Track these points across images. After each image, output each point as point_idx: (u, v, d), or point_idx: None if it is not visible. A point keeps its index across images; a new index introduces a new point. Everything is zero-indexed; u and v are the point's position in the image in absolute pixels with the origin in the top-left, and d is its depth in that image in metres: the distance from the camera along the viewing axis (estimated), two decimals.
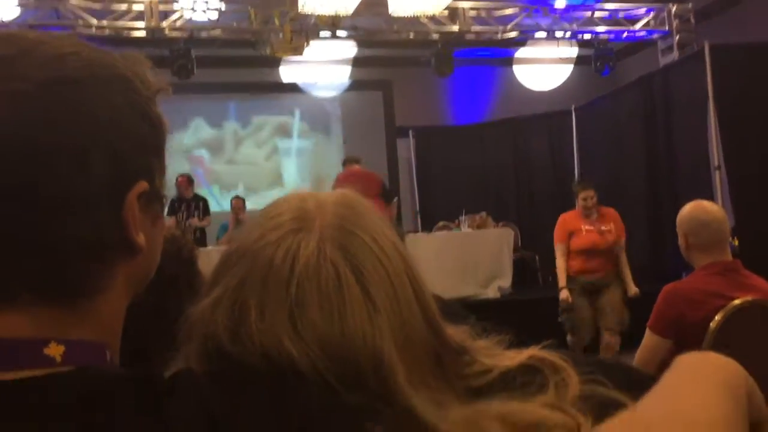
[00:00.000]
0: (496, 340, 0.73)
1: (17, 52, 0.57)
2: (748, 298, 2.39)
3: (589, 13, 8.53)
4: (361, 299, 0.61)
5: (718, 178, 6.60)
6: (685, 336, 2.40)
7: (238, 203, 8.07)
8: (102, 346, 0.59)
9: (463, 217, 7.75)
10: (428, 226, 8.58)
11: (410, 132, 10.14)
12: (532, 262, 8.46)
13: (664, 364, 0.64)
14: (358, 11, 6.84)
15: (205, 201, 7.94)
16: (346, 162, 7.02)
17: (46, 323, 0.56)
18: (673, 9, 8.39)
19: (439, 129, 10.34)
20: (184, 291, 1.29)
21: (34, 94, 0.55)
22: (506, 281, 7.22)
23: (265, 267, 0.62)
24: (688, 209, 2.58)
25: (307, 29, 7.74)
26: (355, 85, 10.23)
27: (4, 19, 7.13)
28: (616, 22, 8.60)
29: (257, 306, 0.60)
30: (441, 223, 8.35)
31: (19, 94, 0.54)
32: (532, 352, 0.68)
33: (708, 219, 2.50)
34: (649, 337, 2.45)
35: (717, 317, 2.34)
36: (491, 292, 7.09)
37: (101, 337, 0.59)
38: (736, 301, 2.37)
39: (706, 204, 2.66)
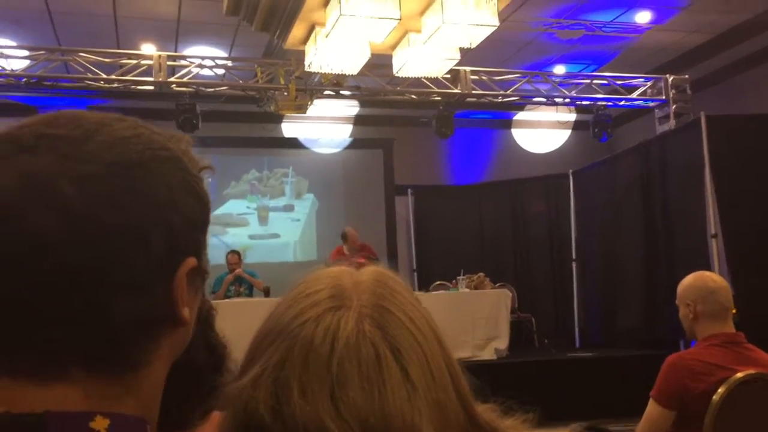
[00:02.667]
0: (522, 418, 0.74)
1: (82, 134, 0.59)
2: (751, 371, 2.39)
3: (587, 81, 8.71)
4: (400, 379, 0.62)
5: (716, 247, 6.63)
6: (688, 408, 2.39)
7: (234, 258, 8.05)
8: (143, 421, 0.60)
9: (460, 277, 7.74)
10: (425, 285, 8.57)
11: (409, 191, 10.22)
12: (528, 324, 8.43)
13: None
14: (361, 71, 6.97)
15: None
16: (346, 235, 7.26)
17: (93, 396, 0.57)
18: (670, 79, 8.58)
19: (437, 188, 10.44)
20: (200, 347, 1.30)
21: (101, 176, 0.57)
22: (503, 343, 7.19)
23: (306, 345, 0.63)
24: (692, 278, 2.60)
25: (311, 88, 7.88)
26: (357, 143, 10.36)
27: (14, 70, 7.25)
28: (614, 90, 8.77)
29: (299, 384, 0.61)
30: (438, 283, 8.34)
31: (87, 176, 0.57)
32: None
33: (715, 287, 2.53)
34: (652, 408, 2.44)
35: (720, 390, 2.34)
36: (488, 354, 7.05)
37: (143, 410, 0.61)
38: (739, 375, 2.37)
39: (710, 274, 2.68)
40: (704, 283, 2.55)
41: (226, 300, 7.26)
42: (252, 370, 0.64)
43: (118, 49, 7.78)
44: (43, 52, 7.32)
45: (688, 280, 2.60)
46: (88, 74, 7.32)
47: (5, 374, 0.56)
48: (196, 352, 1.29)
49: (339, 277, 0.71)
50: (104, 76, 7.36)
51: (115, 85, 7.48)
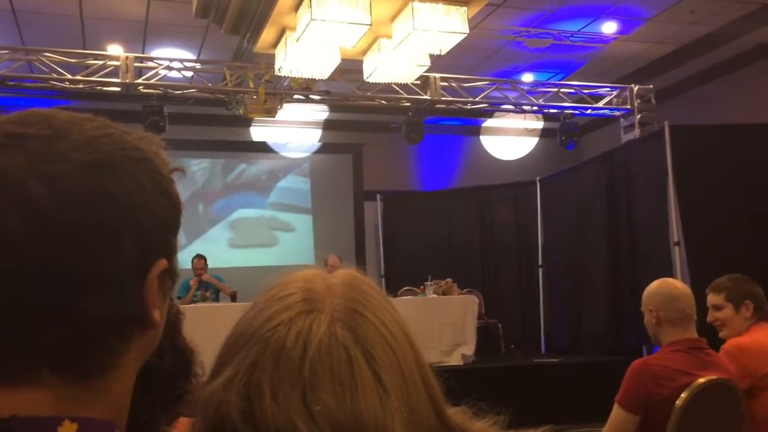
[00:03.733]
0: (493, 421, 0.75)
1: (53, 134, 0.59)
2: (713, 377, 2.44)
3: (555, 90, 8.82)
4: (373, 383, 0.62)
5: (678, 254, 6.75)
6: (653, 412, 2.43)
7: (200, 263, 7.96)
8: (112, 425, 0.59)
9: (428, 283, 7.77)
10: (393, 290, 8.56)
11: (378, 196, 10.23)
12: (495, 330, 8.48)
13: None
14: (332, 76, 6.97)
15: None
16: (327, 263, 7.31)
17: (62, 400, 0.56)
18: (635, 89, 8.72)
19: (406, 194, 10.47)
20: (166, 350, 1.29)
21: (72, 176, 0.57)
22: (470, 349, 7.22)
23: (277, 349, 0.63)
24: (656, 285, 2.65)
25: (280, 91, 7.85)
26: (326, 147, 10.35)
27: None
28: (581, 99, 8.89)
29: (270, 388, 0.61)
30: (406, 288, 8.35)
31: (58, 176, 0.56)
32: None
33: (678, 294, 2.57)
34: (617, 413, 2.47)
35: (683, 395, 2.38)
36: (454, 360, 7.07)
37: (112, 414, 0.60)
38: (701, 380, 2.42)
39: (673, 281, 2.74)
40: (667, 289, 2.60)
41: (192, 305, 7.18)
42: (224, 373, 0.64)
43: (84, 49, 7.67)
44: (6, 51, 7.18)
45: (653, 286, 2.65)
46: (53, 74, 7.19)
47: None
48: (164, 356, 1.28)
49: (311, 281, 0.71)
50: (69, 76, 7.23)
51: (81, 86, 7.36)
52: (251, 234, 10.13)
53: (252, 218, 10.22)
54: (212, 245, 9.60)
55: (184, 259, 8.06)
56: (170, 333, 1.34)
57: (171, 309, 1.38)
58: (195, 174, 9.92)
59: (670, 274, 6.48)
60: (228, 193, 10.18)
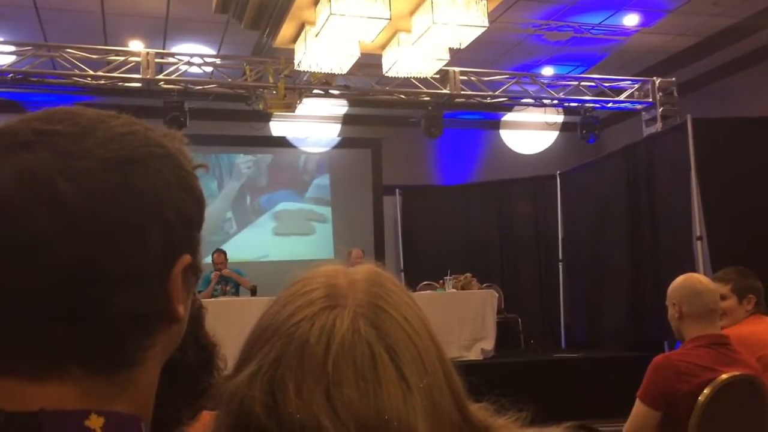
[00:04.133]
0: (515, 417, 0.74)
1: (79, 131, 0.59)
2: (736, 373, 2.41)
3: (575, 83, 8.75)
4: (396, 378, 0.62)
5: (700, 249, 6.68)
6: (675, 408, 2.41)
7: (220, 257, 8.00)
8: (138, 418, 0.60)
9: (447, 277, 7.76)
10: (412, 284, 8.56)
11: (397, 191, 10.23)
12: (514, 325, 8.46)
13: None
14: (351, 71, 6.97)
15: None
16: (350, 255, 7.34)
17: (89, 394, 0.57)
18: (657, 82, 8.63)
19: (425, 188, 10.45)
20: (190, 344, 1.31)
21: (99, 172, 0.57)
22: (489, 343, 7.21)
23: (301, 344, 0.63)
24: (681, 279, 2.64)
25: (300, 86, 7.87)
26: (345, 142, 10.35)
27: (0, 66, 7.19)
28: (601, 93, 8.82)
29: (294, 383, 0.61)
30: (425, 283, 8.36)
31: (84, 173, 0.57)
32: None
33: (702, 288, 2.56)
34: (639, 408, 2.46)
35: (705, 391, 2.37)
36: (474, 354, 7.07)
37: (137, 408, 0.61)
38: (724, 376, 2.40)
39: (698, 276, 2.73)
40: (691, 284, 2.58)
41: (213, 299, 7.24)
42: (248, 368, 0.65)
43: (106, 45, 7.74)
44: (29, 47, 7.26)
45: (678, 281, 2.64)
46: (75, 70, 7.25)
47: (1, 372, 0.56)
48: (187, 350, 1.29)
49: (334, 276, 0.71)
50: (91, 72, 7.30)
51: (102, 81, 7.42)
52: (281, 226, 10.19)
53: (270, 214, 10.26)
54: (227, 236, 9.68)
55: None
56: (193, 327, 1.35)
57: (194, 303, 1.40)
58: (213, 167, 9.98)
59: (693, 268, 6.42)
60: (244, 188, 10.23)
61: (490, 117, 10.72)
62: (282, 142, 10.10)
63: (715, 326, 2.55)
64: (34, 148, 0.57)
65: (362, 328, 0.64)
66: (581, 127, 9.17)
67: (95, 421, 0.56)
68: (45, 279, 0.55)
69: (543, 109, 9.46)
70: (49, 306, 0.55)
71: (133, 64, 7.42)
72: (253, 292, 7.55)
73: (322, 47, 6.08)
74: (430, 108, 8.60)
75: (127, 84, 7.54)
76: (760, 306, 3.11)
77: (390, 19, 5.57)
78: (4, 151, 0.57)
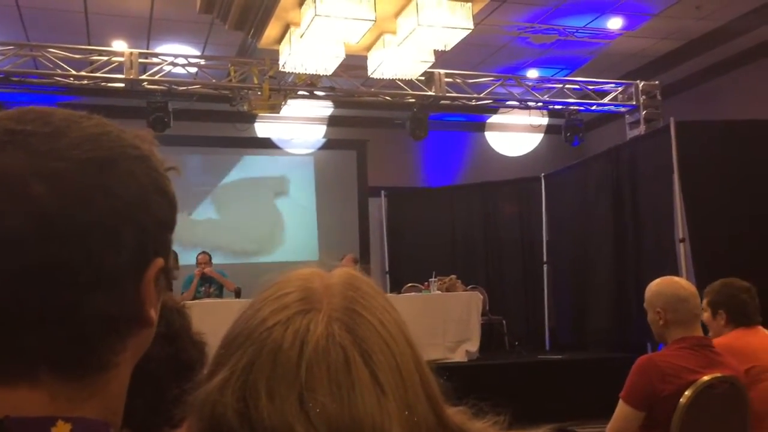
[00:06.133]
0: (493, 420, 0.74)
1: (53, 131, 0.58)
2: (717, 374, 2.43)
3: (560, 86, 8.79)
4: (370, 383, 0.62)
5: (683, 251, 6.73)
6: (657, 409, 2.42)
7: (204, 258, 7.97)
8: (107, 425, 0.59)
9: (432, 279, 7.76)
10: (397, 286, 8.58)
11: (382, 192, 10.22)
12: (499, 327, 8.47)
13: None
14: (336, 72, 6.96)
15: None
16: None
17: (58, 400, 0.56)
18: (641, 85, 8.69)
19: (411, 190, 10.46)
20: (188, 343, 1.32)
21: (72, 173, 0.56)
22: (474, 345, 7.21)
23: (274, 349, 0.62)
24: (662, 285, 2.63)
25: (285, 87, 7.84)
26: (330, 143, 10.34)
27: None
28: (586, 95, 8.86)
29: (267, 389, 0.60)
30: (410, 284, 8.35)
31: (58, 173, 0.56)
32: None
33: (686, 295, 2.57)
34: (622, 408, 2.47)
35: (687, 392, 2.38)
36: (459, 356, 7.07)
37: (107, 413, 0.60)
38: (705, 378, 2.41)
39: (679, 280, 2.73)
40: (674, 291, 2.58)
41: (196, 301, 7.19)
42: (220, 374, 0.63)
43: (89, 45, 7.68)
44: (11, 47, 7.19)
45: (658, 286, 2.64)
46: (58, 70, 7.19)
47: None
48: (186, 350, 1.30)
49: (309, 280, 0.70)
50: (74, 72, 7.24)
51: (85, 81, 7.36)
52: (252, 231, 10.13)
53: (254, 216, 10.21)
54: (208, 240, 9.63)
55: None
56: (188, 324, 1.36)
57: (177, 305, 1.39)
58: (196, 169, 9.92)
59: (676, 270, 6.46)
60: (229, 190, 10.17)
61: (475, 119, 10.74)
62: (267, 144, 10.06)
63: (698, 329, 2.57)
64: (7, 148, 0.56)
65: (337, 333, 0.63)
66: (566, 129, 9.21)
67: (62, 428, 0.55)
68: (18, 282, 0.54)
69: (528, 111, 9.49)
70: (20, 310, 0.54)
71: (116, 64, 7.37)
72: (238, 294, 7.52)
73: (307, 48, 6.07)
74: (415, 110, 8.61)
75: (110, 84, 7.48)
76: (740, 319, 3.05)
77: (375, 21, 5.56)
78: None
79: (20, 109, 0.61)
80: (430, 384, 0.67)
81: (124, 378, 0.62)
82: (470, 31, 5.84)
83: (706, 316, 3.06)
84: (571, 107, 8.94)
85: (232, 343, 0.66)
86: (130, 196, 0.59)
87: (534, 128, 10.52)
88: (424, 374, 0.67)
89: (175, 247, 0.68)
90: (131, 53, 7.38)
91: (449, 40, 5.97)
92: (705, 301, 3.07)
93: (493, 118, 10.74)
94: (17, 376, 0.55)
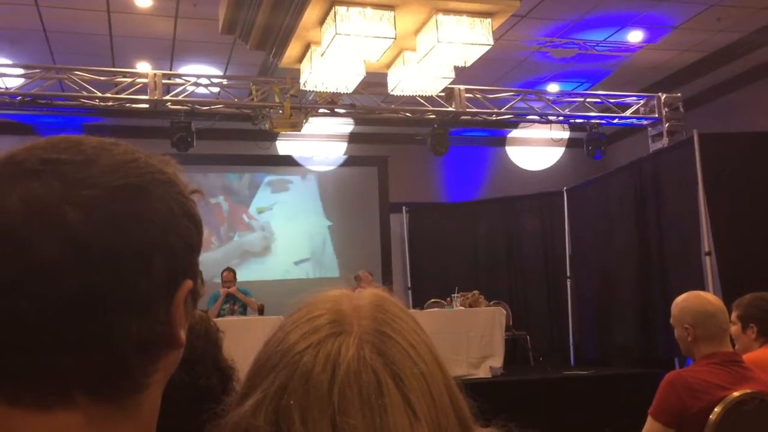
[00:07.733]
0: None
1: (85, 159, 0.60)
2: (748, 390, 2.39)
3: (580, 99, 8.76)
4: (402, 406, 0.62)
5: (709, 264, 6.64)
6: (686, 426, 2.39)
7: (229, 275, 8.01)
8: None
9: (455, 295, 7.73)
10: (420, 302, 8.55)
11: (404, 208, 10.23)
12: (523, 342, 8.41)
13: None
14: (356, 89, 7.00)
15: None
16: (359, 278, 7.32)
17: (93, 422, 0.57)
18: (663, 97, 8.63)
19: (432, 206, 10.45)
20: (211, 369, 1.32)
21: (106, 201, 0.58)
22: (498, 361, 7.15)
23: (306, 373, 0.63)
24: (689, 300, 2.60)
25: (306, 106, 7.90)
26: (351, 160, 10.38)
27: (9, 88, 7.25)
28: (607, 109, 8.82)
29: (299, 412, 0.61)
30: (432, 300, 8.33)
31: (92, 201, 0.57)
32: None
33: (714, 310, 2.54)
34: (651, 425, 2.44)
35: (717, 409, 2.34)
36: (482, 372, 7.02)
37: None
38: (736, 394, 2.37)
39: (706, 294, 2.69)
40: (702, 306, 2.55)
41: (220, 318, 7.22)
42: (252, 397, 0.64)
43: (114, 67, 7.80)
44: (38, 70, 7.33)
45: (685, 301, 2.60)
46: (83, 92, 7.31)
47: (4, 401, 0.56)
48: (207, 376, 1.30)
49: (339, 302, 0.70)
50: (99, 94, 7.35)
51: (110, 103, 7.48)
52: (275, 247, 10.18)
53: (276, 232, 10.26)
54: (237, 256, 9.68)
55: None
56: (213, 350, 1.36)
57: (211, 325, 1.40)
58: (221, 187, 10.01)
59: (702, 284, 6.38)
60: (252, 207, 10.24)
61: (496, 134, 10.74)
62: (288, 161, 10.13)
63: (727, 344, 2.53)
64: (42, 176, 0.57)
65: (368, 355, 0.64)
66: (587, 143, 9.16)
67: None
68: (52, 309, 0.55)
69: (549, 125, 9.46)
70: (56, 335, 0.55)
71: (140, 85, 7.48)
72: (261, 311, 7.54)
73: (328, 67, 6.11)
74: (435, 126, 8.62)
75: (134, 105, 7.58)
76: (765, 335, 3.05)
77: (395, 38, 5.59)
78: (11, 180, 0.57)
79: (52, 139, 0.62)
80: (460, 406, 0.68)
81: (156, 399, 0.63)
82: (490, 46, 5.85)
83: (735, 329, 3.03)
84: (593, 120, 8.90)
85: (264, 366, 0.66)
86: (161, 222, 0.60)
87: (555, 142, 10.48)
88: (455, 396, 0.67)
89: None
90: (155, 74, 7.48)
91: (469, 56, 5.98)
92: (734, 315, 3.05)
93: (514, 133, 10.73)
94: (54, 399, 0.56)
